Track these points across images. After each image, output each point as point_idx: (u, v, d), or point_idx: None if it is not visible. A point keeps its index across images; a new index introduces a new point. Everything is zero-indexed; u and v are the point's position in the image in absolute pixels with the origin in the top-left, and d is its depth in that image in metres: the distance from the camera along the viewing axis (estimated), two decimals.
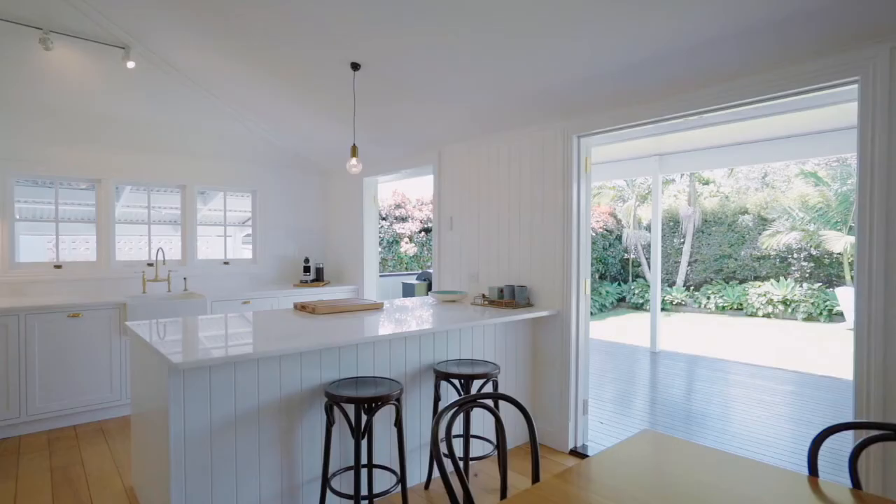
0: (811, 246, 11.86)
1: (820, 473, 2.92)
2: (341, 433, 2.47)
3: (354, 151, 3.08)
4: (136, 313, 3.80)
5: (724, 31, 2.19)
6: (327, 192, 5.64)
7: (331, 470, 2.42)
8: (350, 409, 2.44)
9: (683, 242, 13.81)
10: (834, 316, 10.81)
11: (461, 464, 2.78)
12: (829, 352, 7.24)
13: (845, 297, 9.77)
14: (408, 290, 6.07)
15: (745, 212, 13.37)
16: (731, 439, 3.55)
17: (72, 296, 3.99)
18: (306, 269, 5.17)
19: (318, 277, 5.23)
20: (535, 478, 1.53)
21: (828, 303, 10.96)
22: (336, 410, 2.40)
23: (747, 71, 2.45)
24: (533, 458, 1.53)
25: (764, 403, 4.43)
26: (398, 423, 2.30)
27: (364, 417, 2.30)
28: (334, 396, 2.17)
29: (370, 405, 2.18)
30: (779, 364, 6.19)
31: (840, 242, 11.19)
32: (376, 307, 3.32)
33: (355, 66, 3.04)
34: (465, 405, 1.46)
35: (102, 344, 3.75)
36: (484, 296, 3.64)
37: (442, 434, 2.83)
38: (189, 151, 4.70)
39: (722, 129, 4.59)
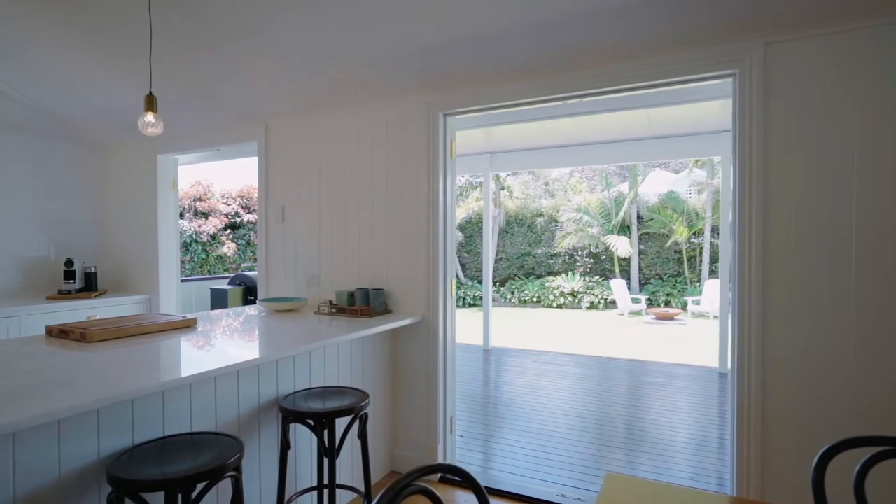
0: (592, 245, 13.77)
1: (702, 483, 2.86)
2: None
3: (151, 104, 2.12)
4: None
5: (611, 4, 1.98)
6: (105, 171, 4.20)
7: None
8: (157, 497, 1.58)
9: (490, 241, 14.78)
10: (609, 304, 12.66)
11: None
12: (627, 337, 8.32)
13: (618, 288, 11.47)
14: (219, 299, 4.94)
15: (541, 214, 14.93)
16: (593, 436, 3.55)
17: None
18: (69, 276, 3.75)
19: (89, 286, 3.85)
20: None
21: (604, 293, 12.80)
22: (129, 502, 1.52)
23: (630, 54, 2.31)
24: None
25: (596, 392, 4.66)
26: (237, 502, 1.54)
27: None
28: (126, 483, 1.33)
29: (189, 488, 1.39)
30: (592, 351, 6.79)
31: (622, 243, 13.23)
32: (186, 325, 2.40)
33: None
34: (403, 491, 0.87)
35: None
36: (331, 302, 2.98)
37: None
38: None
39: (562, 126, 4.69)
